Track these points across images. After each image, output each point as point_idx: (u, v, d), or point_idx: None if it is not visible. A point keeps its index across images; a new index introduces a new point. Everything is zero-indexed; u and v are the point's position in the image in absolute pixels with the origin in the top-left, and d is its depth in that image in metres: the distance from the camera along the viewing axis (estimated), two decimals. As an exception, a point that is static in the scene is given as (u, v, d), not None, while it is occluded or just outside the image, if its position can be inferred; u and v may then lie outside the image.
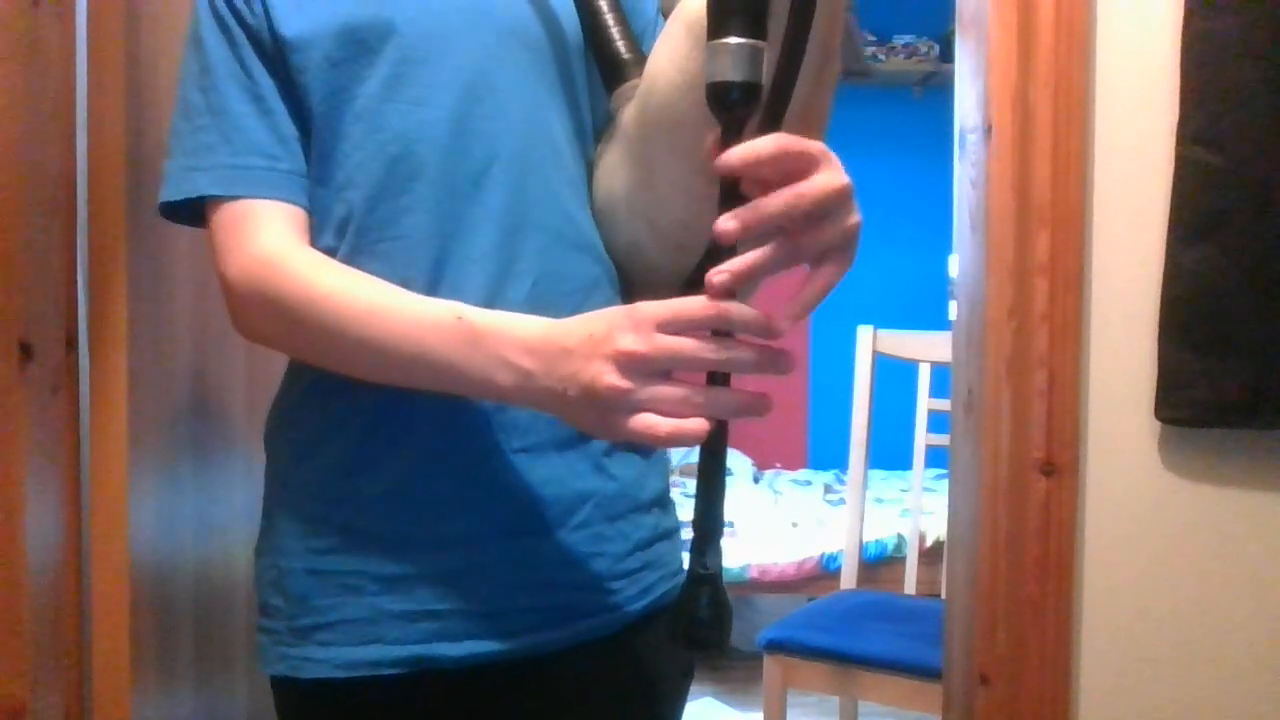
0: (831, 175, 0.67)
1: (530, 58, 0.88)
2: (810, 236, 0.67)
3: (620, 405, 0.68)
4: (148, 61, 1.23)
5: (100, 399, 1.15)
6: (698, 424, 0.67)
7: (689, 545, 0.71)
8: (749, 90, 0.66)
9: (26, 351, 1.01)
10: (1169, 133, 1.26)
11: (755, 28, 0.65)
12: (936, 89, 4.33)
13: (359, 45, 0.84)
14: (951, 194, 1.40)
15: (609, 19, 0.86)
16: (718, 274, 0.66)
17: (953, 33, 1.44)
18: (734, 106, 0.66)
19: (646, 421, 0.68)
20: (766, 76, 0.67)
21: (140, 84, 1.21)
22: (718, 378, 0.68)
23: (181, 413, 1.34)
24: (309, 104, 0.85)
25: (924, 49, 4.31)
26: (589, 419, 0.71)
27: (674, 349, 0.67)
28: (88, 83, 1.12)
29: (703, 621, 0.68)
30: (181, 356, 1.34)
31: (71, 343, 1.09)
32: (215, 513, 1.42)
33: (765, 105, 0.68)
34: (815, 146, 0.67)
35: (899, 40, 4.31)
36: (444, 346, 0.75)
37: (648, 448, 0.94)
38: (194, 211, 0.87)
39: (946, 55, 4.22)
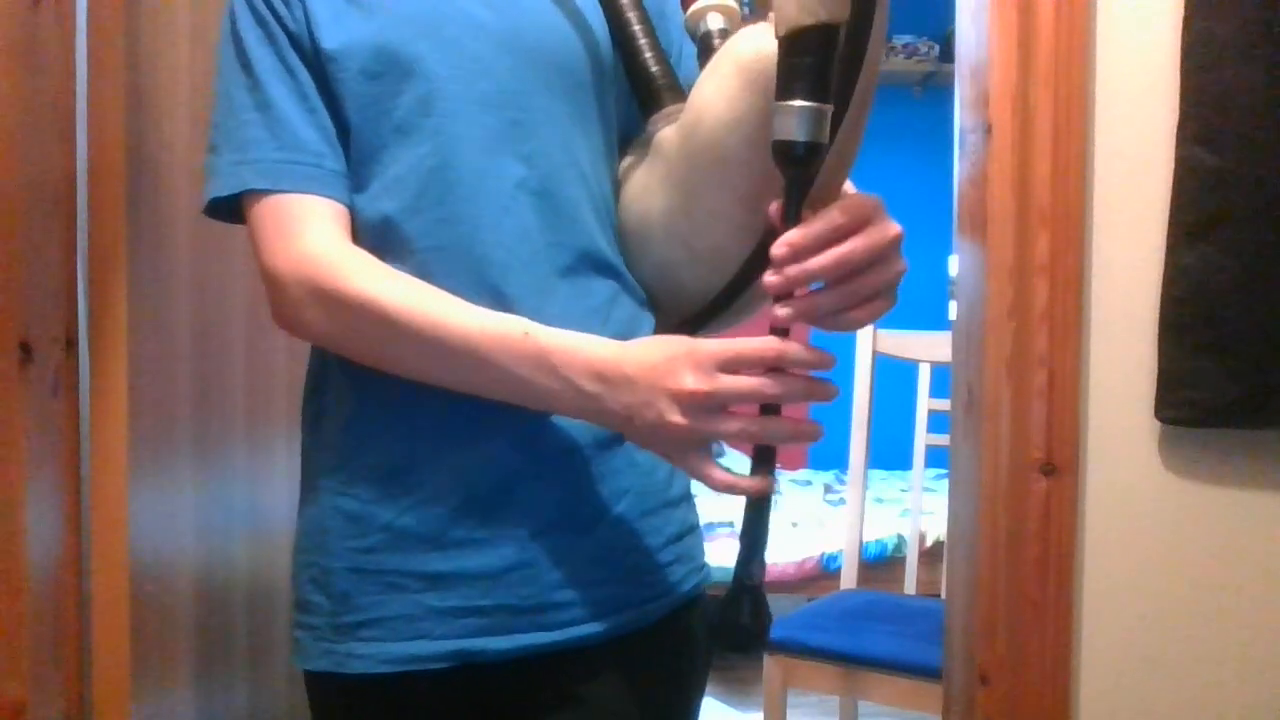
0: (881, 229, 0.73)
1: (561, 80, 0.90)
2: (861, 282, 0.73)
3: (684, 442, 0.74)
4: (148, 62, 1.23)
5: (100, 399, 1.15)
6: (753, 482, 0.73)
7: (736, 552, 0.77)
8: (813, 149, 0.71)
9: (26, 351, 1.01)
10: (1169, 133, 1.26)
11: (821, 91, 0.70)
12: (936, 89, 4.33)
13: (395, 63, 0.85)
14: (951, 194, 1.39)
15: (643, 43, 0.90)
16: (782, 308, 0.72)
17: (953, 33, 1.44)
18: (798, 163, 0.71)
19: (708, 469, 0.75)
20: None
21: (140, 84, 1.21)
22: (769, 407, 0.74)
23: (181, 413, 1.34)
24: (345, 111, 0.87)
25: (924, 49, 4.30)
26: (654, 446, 0.77)
27: (735, 387, 0.72)
28: (88, 83, 1.12)
29: (744, 627, 0.74)
30: (181, 356, 1.34)
31: (71, 343, 1.09)
32: (215, 513, 1.42)
33: None
34: (867, 206, 0.73)
35: (899, 40, 4.30)
36: (510, 361, 0.78)
37: None
38: (240, 208, 0.87)
39: (946, 55, 4.21)
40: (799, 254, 0.71)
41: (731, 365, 0.72)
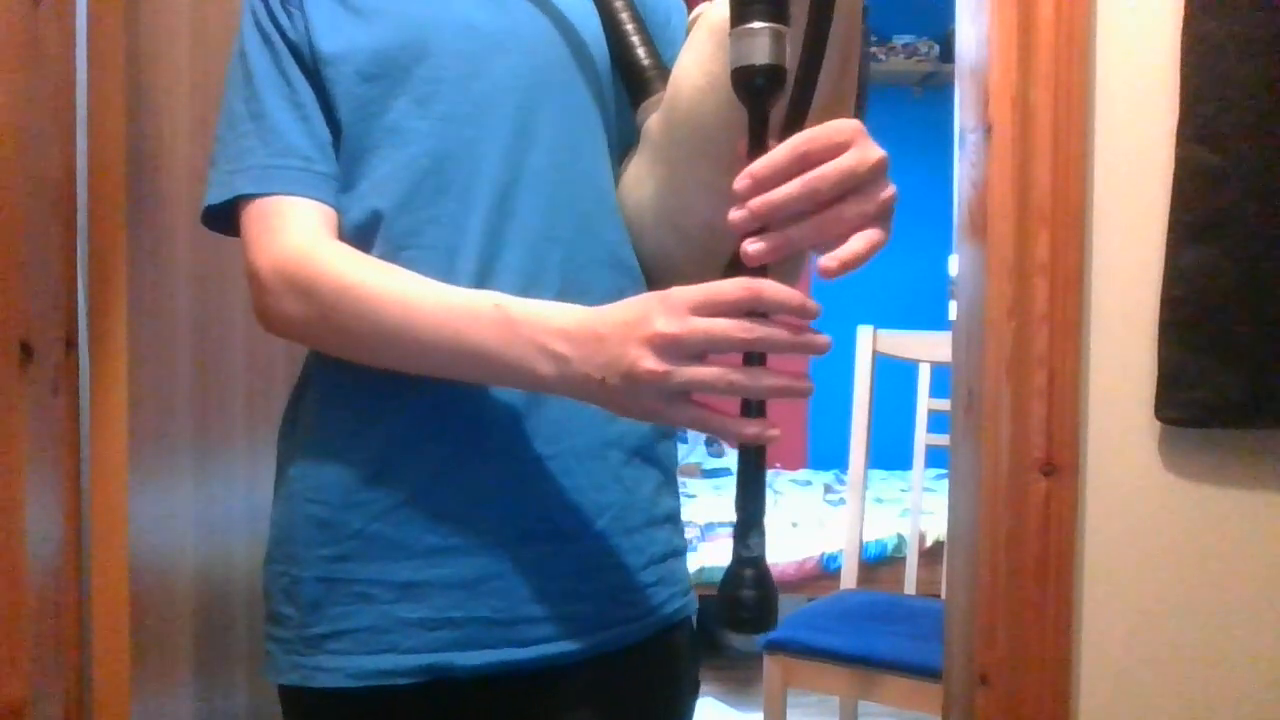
0: (859, 153, 0.67)
1: (559, 78, 0.89)
2: (841, 211, 0.67)
3: (659, 388, 0.69)
4: (148, 61, 1.23)
5: (100, 399, 1.14)
6: (745, 422, 0.68)
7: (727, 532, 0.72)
8: (774, 73, 0.66)
9: (26, 351, 1.01)
10: (1169, 133, 1.26)
11: (777, 13, 0.66)
12: (936, 89, 4.33)
13: (392, 64, 0.86)
14: (951, 194, 1.39)
15: (634, 38, 0.89)
16: (752, 243, 0.67)
17: (953, 33, 1.44)
18: (760, 90, 0.67)
19: (696, 412, 0.69)
20: (790, 72, 0.68)
21: (140, 84, 1.21)
22: (754, 359, 0.69)
23: (181, 413, 1.34)
24: (339, 114, 0.87)
25: (924, 49, 4.31)
26: (630, 404, 0.72)
27: (706, 329, 0.67)
28: (88, 83, 1.12)
29: (746, 604, 0.69)
30: (181, 356, 1.34)
31: (71, 343, 1.09)
32: (215, 513, 1.42)
33: (790, 101, 0.69)
34: (843, 132, 0.67)
35: (899, 40, 4.31)
36: (482, 334, 0.76)
37: (662, 458, 0.95)
38: (234, 217, 0.88)
39: (946, 55, 4.22)
40: (763, 184, 0.66)
41: (704, 308, 0.68)
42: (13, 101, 0.99)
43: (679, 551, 0.96)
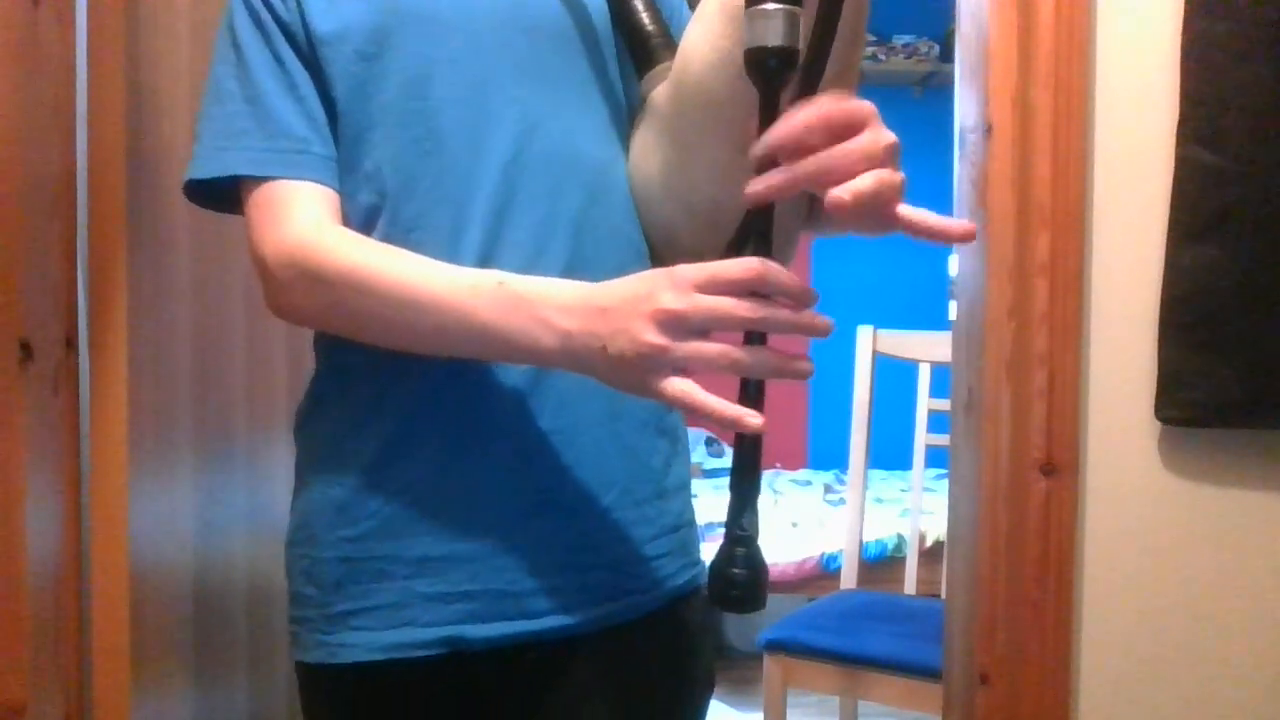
0: (874, 135, 0.68)
1: (560, 51, 0.89)
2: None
3: (659, 362, 0.70)
4: (148, 61, 1.23)
5: (100, 399, 1.15)
6: (726, 405, 0.68)
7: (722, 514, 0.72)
8: (786, 55, 0.67)
9: (26, 351, 1.01)
10: (1169, 133, 1.26)
11: None
12: (936, 89, 4.33)
13: (388, 44, 0.86)
14: (951, 194, 1.39)
15: (637, 1, 0.88)
16: (756, 182, 0.68)
17: (953, 33, 1.44)
18: (772, 72, 0.68)
19: (682, 387, 0.70)
20: (801, 51, 0.69)
21: (140, 84, 1.21)
22: (754, 340, 0.69)
23: (181, 413, 1.34)
24: (335, 93, 0.87)
25: (924, 49, 4.30)
26: (630, 379, 0.72)
27: (711, 306, 0.68)
28: (88, 83, 1.12)
29: (736, 582, 0.70)
30: (181, 356, 1.34)
31: (71, 343, 1.09)
32: (215, 513, 1.42)
33: (799, 79, 0.69)
34: (860, 109, 0.68)
35: (899, 40, 4.30)
36: (486, 310, 0.77)
37: (673, 429, 0.96)
38: (220, 194, 0.88)
39: (946, 55, 4.21)
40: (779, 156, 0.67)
41: (710, 286, 0.68)
42: (13, 101, 0.99)
43: (690, 522, 0.97)
